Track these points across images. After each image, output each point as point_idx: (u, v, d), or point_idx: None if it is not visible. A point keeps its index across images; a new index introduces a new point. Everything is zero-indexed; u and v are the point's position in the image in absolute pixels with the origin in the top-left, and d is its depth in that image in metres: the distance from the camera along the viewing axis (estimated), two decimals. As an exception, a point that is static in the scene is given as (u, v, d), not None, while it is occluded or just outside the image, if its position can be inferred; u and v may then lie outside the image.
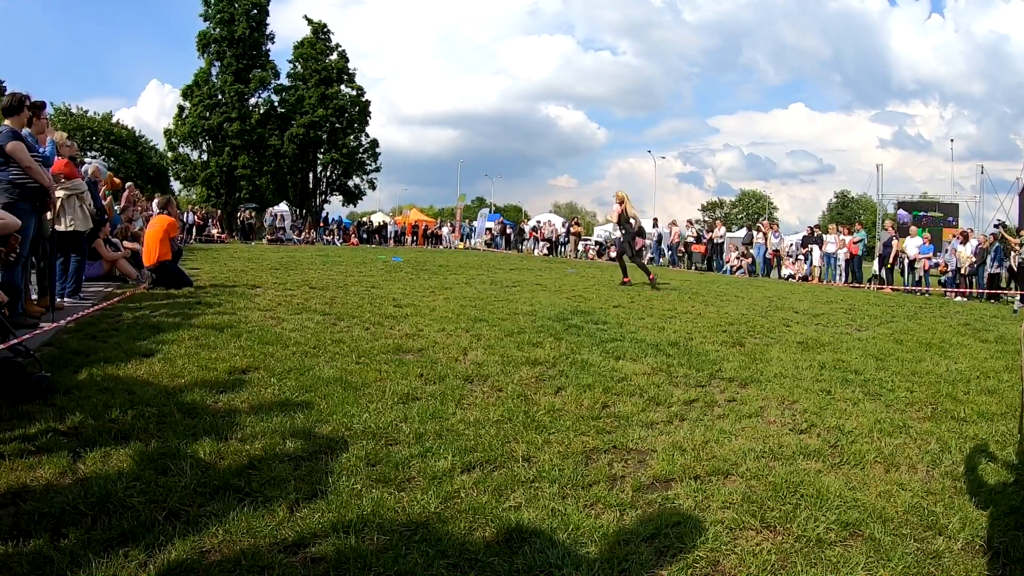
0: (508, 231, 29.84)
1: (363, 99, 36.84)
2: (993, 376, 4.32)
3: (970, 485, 2.41)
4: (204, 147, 33.62)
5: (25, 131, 4.87)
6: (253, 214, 29.27)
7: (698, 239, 20.32)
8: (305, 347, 4.18)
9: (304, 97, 34.57)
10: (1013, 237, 12.26)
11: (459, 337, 4.79)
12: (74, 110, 42.11)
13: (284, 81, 35.44)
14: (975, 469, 2.57)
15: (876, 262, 15.34)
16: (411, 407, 3.00)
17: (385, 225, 32.24)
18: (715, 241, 19.53)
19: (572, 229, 25.93)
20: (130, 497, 1.96)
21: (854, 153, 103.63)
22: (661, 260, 21.03)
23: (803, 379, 3.98)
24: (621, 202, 10.14)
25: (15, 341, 3.12)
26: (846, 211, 58.71)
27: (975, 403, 3.58)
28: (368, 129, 37.25)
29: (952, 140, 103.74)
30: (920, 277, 13.97)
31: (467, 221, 34.48)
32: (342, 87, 35.92)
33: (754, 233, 18.87)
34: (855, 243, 15.07)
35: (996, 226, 13.24)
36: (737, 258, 18.34)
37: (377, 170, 37.96)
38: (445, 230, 32.69)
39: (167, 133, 34.02)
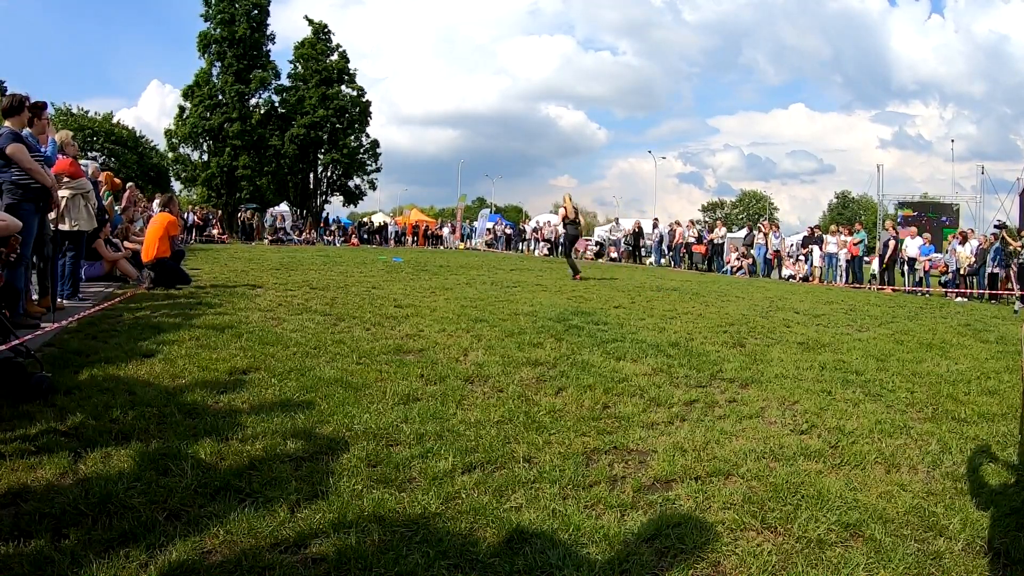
0: (508, 231, 29.85)
1: (363, 99, 36.84)
2: (994, 377, 4.32)
3: (971, 486, 2.41)
4: (205, 147, 33.60)
5: (26, 131, 4.87)
6: (254, 214, 29.25)
7: (699, 240, 20.32)
8: (306, 348, 4.18)
9: (305, 97, 34.57)
10: (1015, 240, 12.20)
11: (460, 338, 4.79)
12: (75, 110, 42.09)
13: (285, 81, 35.48)
14: (976, 470, 2.57)
15: (876, 261, 15.36)
16: (412, 408, 3.00)
17: (386, 225, 32.26)
18: (715, 242, 19.55)
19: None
20: (131, 497, 1.97)
21: (854, 153, 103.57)
22: (662, 260, 21.04)
23: (804, 380, 3.98)
24: (565, 204, 11.85)
25: (16, 342, 3.12)
26: (846, 211, 58.67)
27: (976, 404, 3.58)
28: (368, 129, 37.35)
29: (952, 140, 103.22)
30: (920, 278, 13.98)
31: (468, 221, 34.50)
32: (342, 87, 35.91)
33: (755, 233, 18.86)
34: (855, 244, 15.07)
35: (997, 227, 13.20)
36: (737, 258, 18.33)
37: (378, 170, 38.02)
38: (446, 230, 32.69)
39: (168, 133, 34.02)
